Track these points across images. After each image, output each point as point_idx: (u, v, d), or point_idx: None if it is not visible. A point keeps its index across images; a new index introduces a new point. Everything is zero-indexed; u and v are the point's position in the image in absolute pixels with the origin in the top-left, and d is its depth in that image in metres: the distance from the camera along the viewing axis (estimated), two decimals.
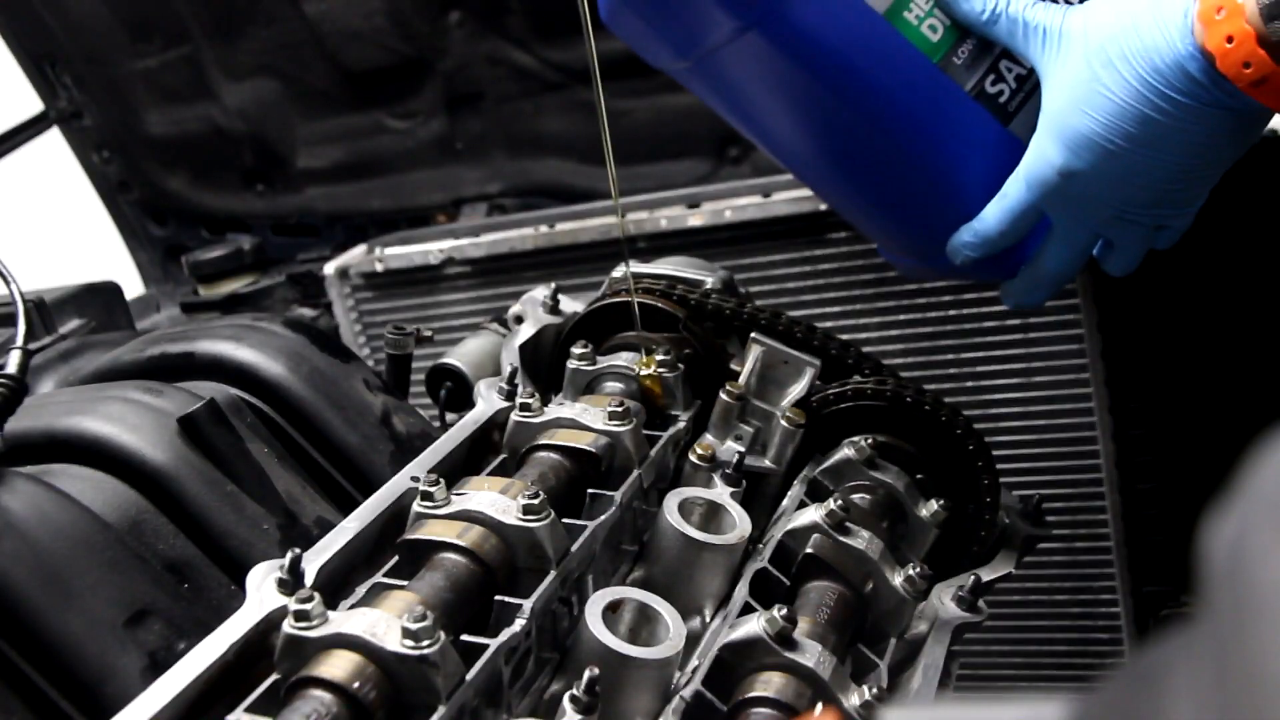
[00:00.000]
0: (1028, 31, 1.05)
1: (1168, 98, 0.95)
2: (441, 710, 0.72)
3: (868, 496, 1.09)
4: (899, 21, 1.07)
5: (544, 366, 1.25)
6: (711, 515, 1.01)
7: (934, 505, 1.09)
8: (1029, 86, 1.10)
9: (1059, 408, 1.61)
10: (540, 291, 1.30)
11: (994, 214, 1.10)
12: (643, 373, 1.13)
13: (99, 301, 1.67)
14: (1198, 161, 0.99)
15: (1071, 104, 1.01)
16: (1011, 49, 1.08)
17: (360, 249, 2.02)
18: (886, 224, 1.25)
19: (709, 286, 1.25)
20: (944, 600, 1.05)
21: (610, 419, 1.02)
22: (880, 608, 1.00)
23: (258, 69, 2.14)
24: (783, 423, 1.12)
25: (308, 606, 0.74)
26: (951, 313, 1.63)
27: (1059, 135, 1.02)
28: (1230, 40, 0.90)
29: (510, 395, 1.12)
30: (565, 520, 0.91)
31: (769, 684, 0.86)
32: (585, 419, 1.03)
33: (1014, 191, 1.08)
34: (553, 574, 0.86)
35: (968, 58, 1.09)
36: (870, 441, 1.11)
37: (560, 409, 1.05)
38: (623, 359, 1.14)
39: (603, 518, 0.95)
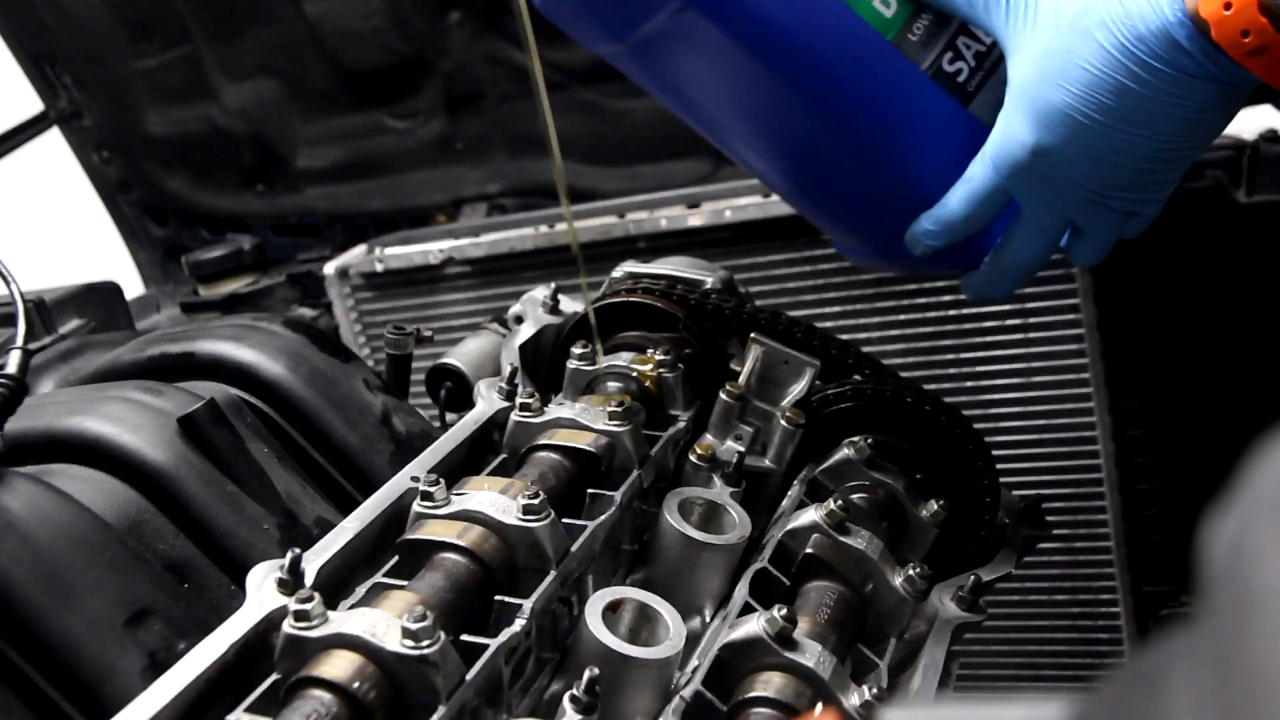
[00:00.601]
0: (991, 3, 0.97)
1: (1151, 68, 0.88)
2: (441, 710, 0.72)
3: (867, 496, 1.09)
4: None
5: (544, 366, 1.25)
6: (711, 515, 1.01)
7: (934, 505, 1.09)
8: (989, 64, 1.04)
9: (1059, 408, 1.61)
10: (540, 291, 1.30)
11: (957, 199, 1.03)
12: (637, 369, 1.13)
13: (99, 301, 1.67)
14: (1178, 138, 0.92)
15: (1043, 77, 0.94)
16: (972, 22, 1.01)
17: (360, 249, 2.03)
18: (839, 214, 1.18)
19: (709, 286, 1.25)
20: (944, 600, 1.05)
21: (610, 419, 1.02)
22: (880, 608, 1.00)
23: (258, 69, 2.14)
24: (783, 423, 1.12)
25: (308, 606, 0.74)
26: (951, 313, 1.63)
27: (1029, 111, 0.95)
28: (1228, 6, 0.83)
29: (510, 395, 1.12)
30: (565, 520, 0.91)
31: (769, 684, 0.86)
32: (585, 419, 1.03)
33: (979, 174, 1.01)
34: (553, 574, 0.86)
35: (923, 34, 1.02)
36: (870, 441, 1.11)
37: (560, 409, 1.05)
38: (623, 359, 1.14)
39: (603, 518, 0.95)
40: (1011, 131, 0.97)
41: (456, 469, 1.03)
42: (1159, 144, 0.92)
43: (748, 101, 1.08)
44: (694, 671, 0.87)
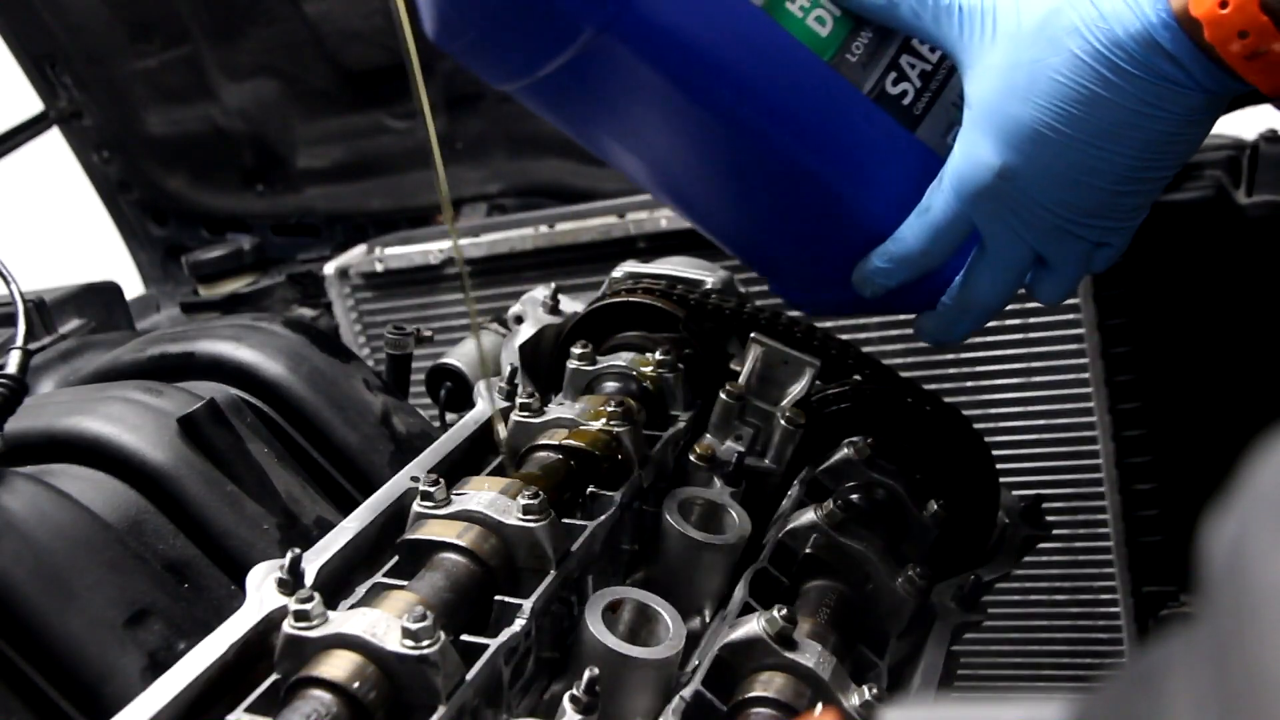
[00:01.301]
0: (940, 12, 0.88)
1: (1129, 76, 0.81)
2: (441, 710, 0.72)
3: (867, 496, 1.09)
4: (780, 14, 0.91)
5: (544, 366, 1.25)
6: (711, 515, 1.01)
7: (934, 505, 1.09)
8: (935, 85, 0.96)
9: (1059, 408, 1.61)
10: (540, 291, 1.30)
11: (914, 231, 0.93)
12: (637, 369, 1.12)
13: (99, 301, 1.67)
14: (1155, 155, 0.85)
15: (1008, 91, 0.85)
16: (919, 36, 0.92)
17: (360, 249, 2.03)
18: (777, 255, 1.08)
19: (709, 286, 1.25)
20: (944, 600, 1.05)
21: (610, 419, 1.02)
22: (880, 608, 1.00)
23: (258, 69, 2.14)
24: (783, 423, 1.12)
25: (308, 606, 0.74)
26: None
27: (994, 129, 0.86)
28: (1224, 4, 0.76)
29: (510, 395, 1.12)
30: (565, 520, 0.91)
31: (769, 684, 0.86)
32: (585, 419, 1.03)
33: (939, 202, 0.92)
34: (553, 574, 0.86)
35: (863, 54, 0.93)
36: (870, 441, 1.11)
37: (560, 409, 1.05)
38: (623, 359, 1.14)
39: (603, 518, 0.95)
40: (974, 153, 0.88)
41: (456, 469, 1.03)
42: (1135, 161, 0.85)
43: (672, 135, 0.98)
44: (694, 671, 0.87)
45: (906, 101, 0.95)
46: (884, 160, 0.95)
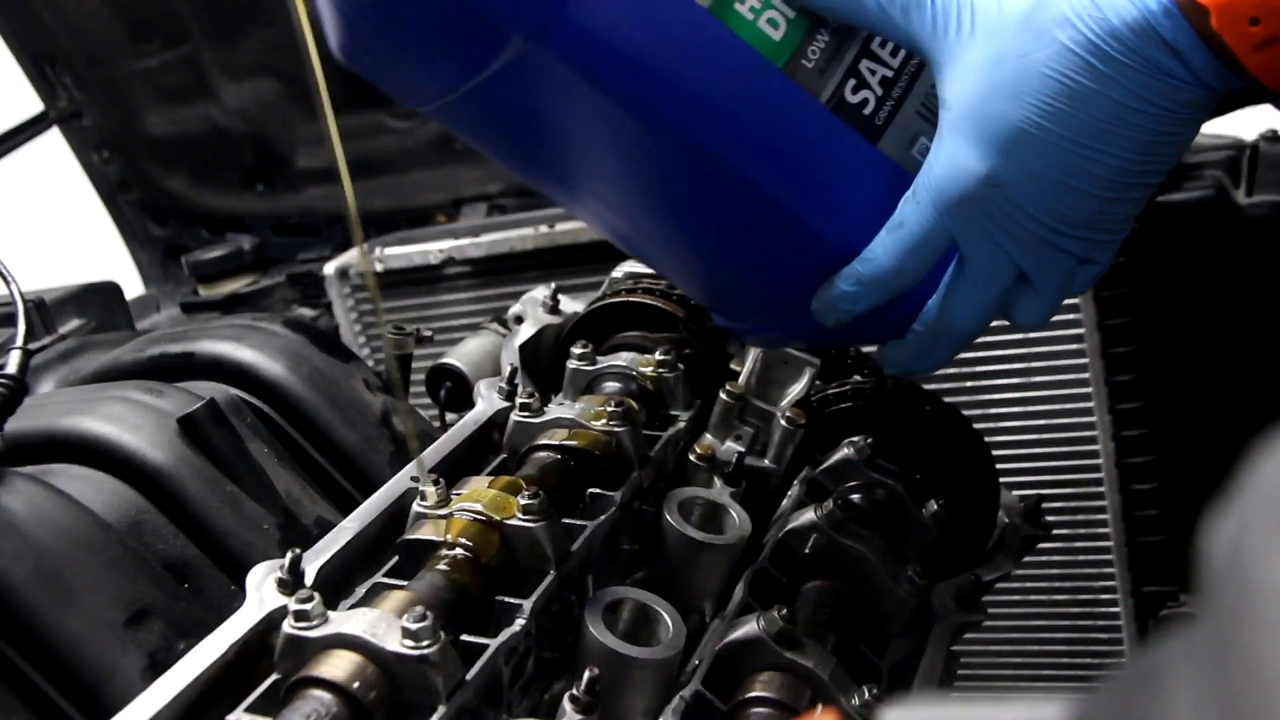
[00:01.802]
0: (909, 4, 0.80)
1: (1124, 68, 0.74)
2: (441, 710, 0.72)
3: (867, 496, 1.09)
4: (729, 16, 0.82)
5: (544, 366, 1.25)
6: (711, 515, 1.01)
7: (934, 505, 1.09)
8: (897, 94, 0.87)
9: (1059, 407, 1.61)
10: (540, 291, 1.30)
11: (886, 249, 0.85)
12: (637, 369, 1.12)
13: (99, 301, 1.67)
14: (1148, 156, 0.78)
15: (991, 91, 0.78)
16: (885, 33, 0.83)
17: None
18: (727, 283, 0.98)
19: None
20: (944, 600, 1.05)
21: (610, 419, 1.02)
22: (880, 608, 1.00)
23: (258, 69, 2.14)
24: (782, 423, 1.12)
25: (308, 606, 0.74)
26: None
27: (977, 133, 0.79)
28: None
29: (510, 395, 1.12)
30: (565, 520, 0.91)
31: (769, 684, 0.86)
32: (585, 419, 1.03)
33: (913, 216, 0.83)
34: (553, 574, 0.86)
35: (820, 59, 0.85)
36: (870, 441, 1.11)
37: (560, 409, 1.05)
38: (623, 359, 1.14)
39: (603, 518, 0.95)
40: (955, 160, 0.81)
41: (456, 469, 1.03)
42: (1126, 163, 0.78)
43: (610, 155, 0.88)
44: (694, 671, 0.87)
45: (868, 111, 0.87)
46: (846, 176, 0.86)
